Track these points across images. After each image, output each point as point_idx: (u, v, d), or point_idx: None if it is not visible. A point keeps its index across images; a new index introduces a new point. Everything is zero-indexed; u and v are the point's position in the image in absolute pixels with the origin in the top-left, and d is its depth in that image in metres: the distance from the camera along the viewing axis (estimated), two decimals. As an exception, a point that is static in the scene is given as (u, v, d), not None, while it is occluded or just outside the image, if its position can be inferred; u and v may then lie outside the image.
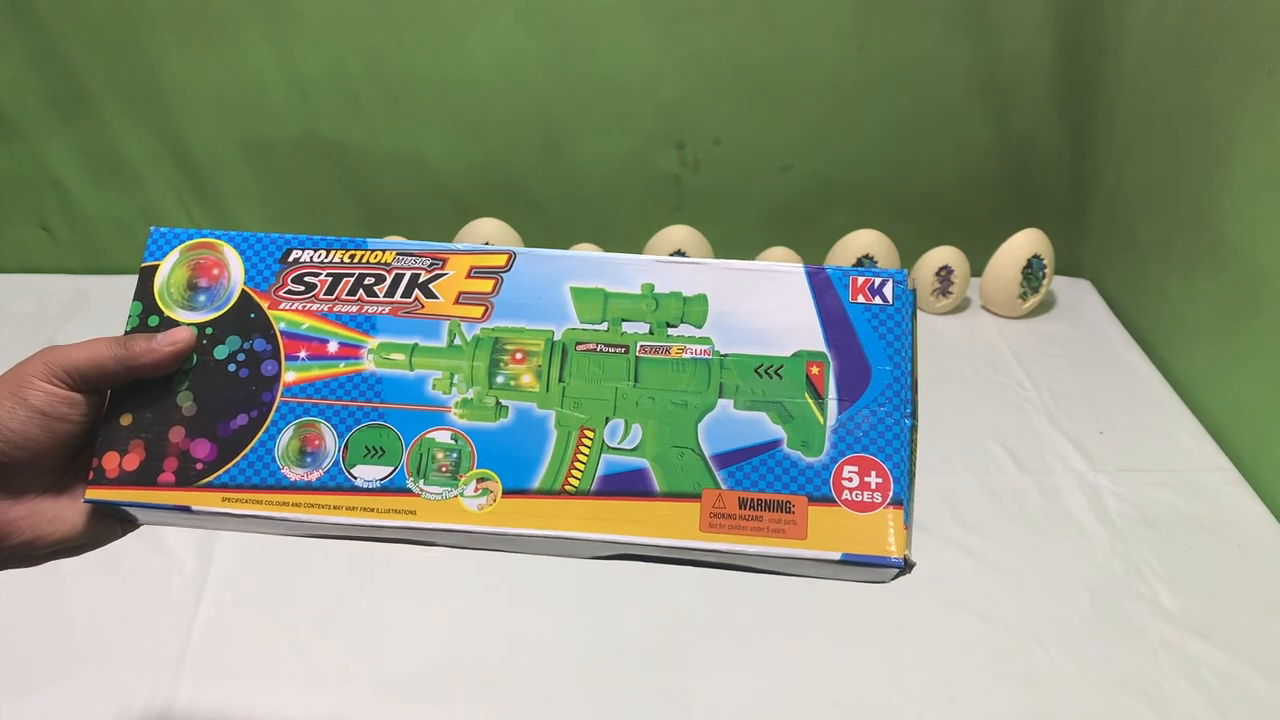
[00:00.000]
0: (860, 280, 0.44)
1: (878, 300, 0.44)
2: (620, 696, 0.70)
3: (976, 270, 1.16)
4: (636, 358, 0.44)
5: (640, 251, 1.13)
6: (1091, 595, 0.78)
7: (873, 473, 0.42)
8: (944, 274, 1.13)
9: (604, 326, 0.44)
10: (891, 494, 0.41)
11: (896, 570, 0.41)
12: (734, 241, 1.15)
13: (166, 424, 0.43)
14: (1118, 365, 1.07)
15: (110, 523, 0.44)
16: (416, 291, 0.45)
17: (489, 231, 1.10)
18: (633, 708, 0.69)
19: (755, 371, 0.43)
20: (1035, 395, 1.02)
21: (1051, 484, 0.90)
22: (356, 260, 0.46)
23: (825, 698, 0.70)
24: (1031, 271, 1.12)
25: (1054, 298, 1.20)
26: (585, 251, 0.46)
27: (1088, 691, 0.71)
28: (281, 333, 0.45)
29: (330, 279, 0.45)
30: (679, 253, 1.10)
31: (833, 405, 0.43)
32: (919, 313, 1.16)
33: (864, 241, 1.11)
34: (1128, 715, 0.69)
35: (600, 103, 1.13)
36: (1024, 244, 1.11)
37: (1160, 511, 0.86)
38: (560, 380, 0.44)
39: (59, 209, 1.20)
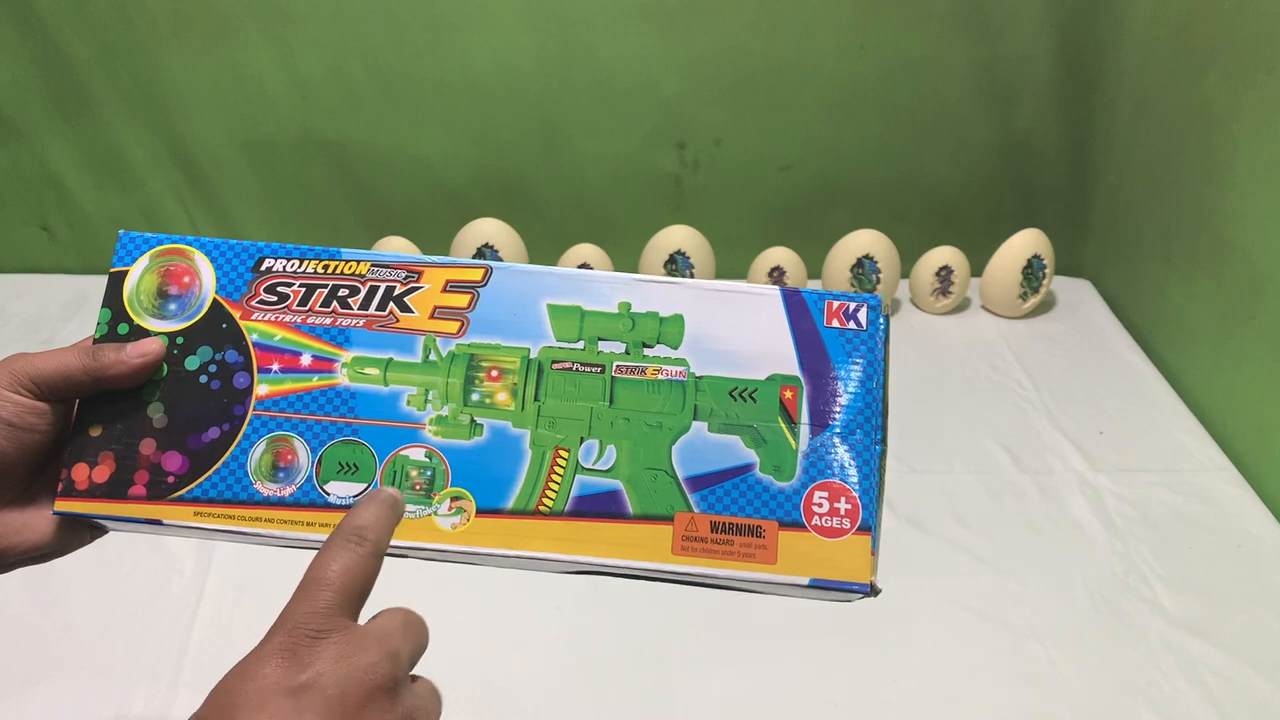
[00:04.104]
0: (835, 304, 0.44)
1: (852, 325, 0.44)
2: (618, 698, 0.70)
3: (976, 270, 1.15)
4: (612, 378, 0.43)
5: (640, 252, 1.13)
6: (1091, 595, 0.78)
7: (842, 499, 0.42)
8: (944, 274, 1.13)
9: (580, 345, 0.44)
10: (860, 520, 0.42)
11: (862, 594, 0.41)
12: (734, 241, 1.15)
13: (137, 436, 0.42)
14: (1118, 365, 1.07)
15: (79, 530, 0.43)
16: (391, 305, 0.44)
17: (489, 232, 1.10)
18: (632, 709, 0.69)
19: (730, 394, 0.43)
20: (1035, 395, 1.02)
21: (1051, 484, 0.90)
22: (330, 271, 0.44)
23: (824, 697, 0.70)
24: (1031, 271, 1.11)
25: (1054, 298, 1.20)
26: (563, 268, 0.45)
27: (1088, 691, 0.71)
28: (254, 344, 0.43)
29: (303, 289, 0.44)
30: (679, 253, 1.10)
31: (804, 430, 0.43)
32: (920, 311, 1.16)
33: (864, 241, 1.11)
34: (1128, 715, 0.69)
35: (600, 103, 1.13)
36: (1024, 244, 1.11)
37: (1160, 511, 0.86)
38: (536, 399, 0.43)
39: (59, 209, 1.20)
